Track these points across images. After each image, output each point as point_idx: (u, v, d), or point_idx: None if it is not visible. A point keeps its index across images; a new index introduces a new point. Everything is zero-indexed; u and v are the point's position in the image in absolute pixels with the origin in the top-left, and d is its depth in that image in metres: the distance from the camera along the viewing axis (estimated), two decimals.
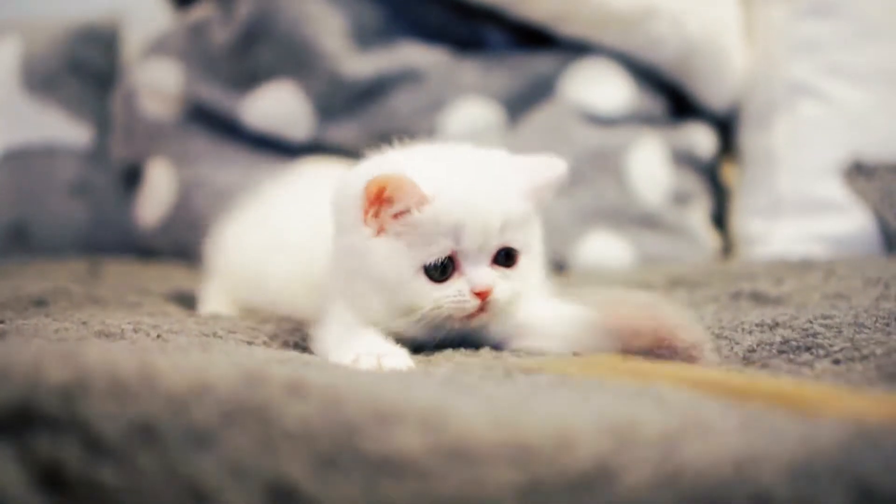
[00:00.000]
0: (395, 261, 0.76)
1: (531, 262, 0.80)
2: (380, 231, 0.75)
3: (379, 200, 0.74)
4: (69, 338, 0.71)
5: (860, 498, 0.45)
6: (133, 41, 1.61)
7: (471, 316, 0.76)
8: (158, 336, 0.75)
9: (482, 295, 0.75)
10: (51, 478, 0.46)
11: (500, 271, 0.77)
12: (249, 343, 0.81)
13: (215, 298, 1.04)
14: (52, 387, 0.48)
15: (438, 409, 0.49)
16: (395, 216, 0.75)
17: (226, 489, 0.45)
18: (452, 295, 0.75)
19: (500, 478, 0.45)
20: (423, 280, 0.75)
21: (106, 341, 0.71)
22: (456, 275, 0.76)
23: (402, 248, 0.75)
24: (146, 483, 0.46)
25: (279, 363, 0.64)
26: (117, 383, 0.49)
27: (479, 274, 0.75)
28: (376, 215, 0.75)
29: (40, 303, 0.94)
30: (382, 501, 0.44)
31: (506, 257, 0.77)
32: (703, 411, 0.54)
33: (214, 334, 0.81)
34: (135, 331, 0.76)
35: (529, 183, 0.78)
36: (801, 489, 0.45)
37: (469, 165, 0.78)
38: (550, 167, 0.80)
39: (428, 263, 0.75)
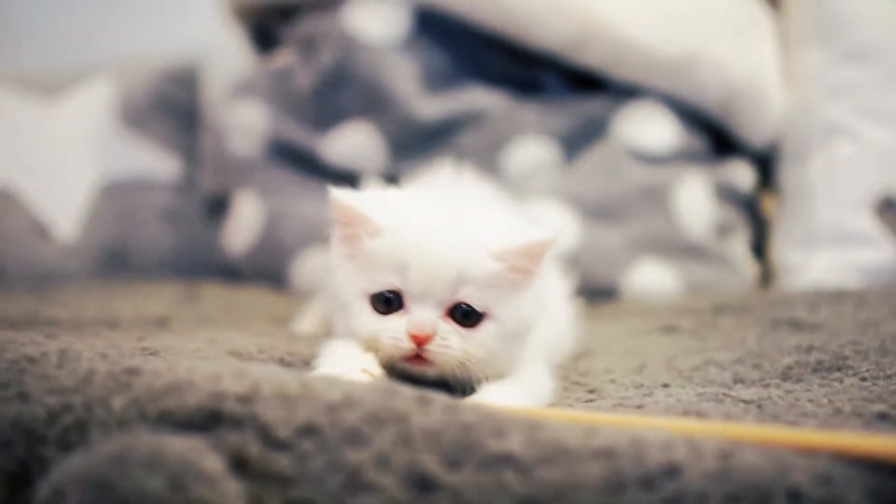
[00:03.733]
0: (348, 282, 0.76)
1: (503, 332, 0.75)
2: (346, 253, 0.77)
3: (343, 223, 0.76)
4: (209, 357, 0.81)
5: (874, 495, 0.55)
6: (214, 81, 1.71)
7: (410, 360, 0.74)
8: (281, 359, 0.84)
9: (417, 339, 0.72)
10: (239, 465, 0.57)
11: (455, 329, 0.74)
12: None
13: (309, 319, 1.11)
14: (233, 395, 0.60)
15: (537, 419, 0.61)
16: (352, 241, 0.76)
17: (379, 477, 0.56)
18: (390, 330, 0.73)
19: (590, 471, 0.56)
20: (368, 308, 0.75)
21: (241, 360, 0.82)
22: (401, 313, 0.74)
23: (354, 271, 0.76)
24: (314, 472, 0.57)
25: None
26: (284, 394, 0.60)
27: (417, 317, 0.73)
28: (344, 237, 0.77)
29: (161, 322, 1.06)
30: (500, 488, 0.56)
31: (464, 316, 0.74)
32: (745, 419, 0.65)
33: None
34: (260, 351, 0.86)
35: (502, 245, 0.74)
36: (825, 488, 0.55)
37: (440, 212, 0.76)
38: (532, 234, 0.76)
39: (371, 293, 0.75)
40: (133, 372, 0.63)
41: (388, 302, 0.75)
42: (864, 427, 0.68)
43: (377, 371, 0.74)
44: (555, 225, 1.39)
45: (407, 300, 0.74)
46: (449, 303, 0.74)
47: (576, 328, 1.00)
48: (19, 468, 0.60)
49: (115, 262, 1.54)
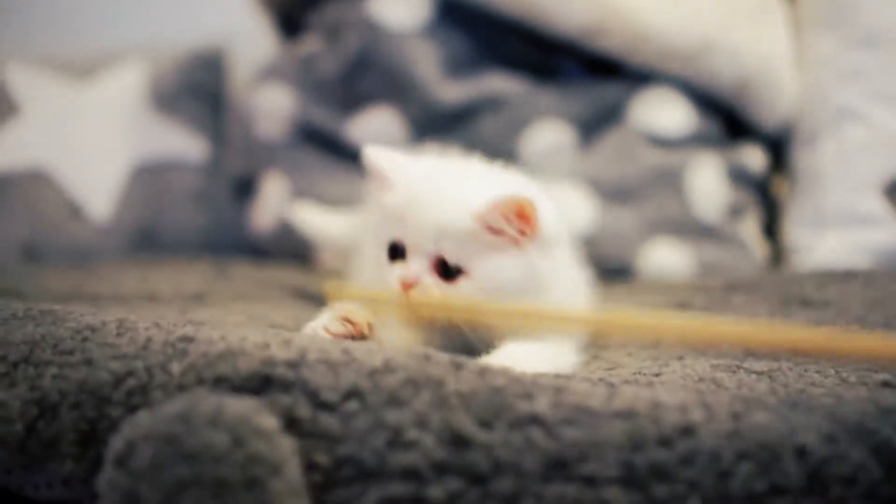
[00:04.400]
0: (375, 228, 0.85)
1: (479, 290, 0.80)
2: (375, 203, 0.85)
3: (372, 177, 0.84)
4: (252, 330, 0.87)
5: (875, 453, 0.60)
6: (240, 66, 1.77)
7: None
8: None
9: (403, 284, 0.80)
10: (290, 425, 0.62)
11: (437, 281, 0.81)
12: None
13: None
14: (282, 361, 0.65)
15: (562, 383, 0.66)
16: (377, 193, 0.84)
17: (418, 436, 0.62)
18: (392, 275, 0.81)
19: (612, 430, 0.61)
20: (385, 255, 0.83)
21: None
22: (404, 262, 0.82)
23: (379, 220, 0.85)
24: (358, 431, 0.62)
25: None
26: (328, 360, 0.65)
27: (408, 266, 0.81)
28: (373, 189, 0.85)
29: (198, 297, 1.11)
30: (529, 447, 0.61)
31: (445, 270, 0.80)
32: (755, 386, 0.70)
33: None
34: (295, 326, 0.92)
35: (479, 203, 0.78)
36: (829, 446, 0.60)
37: (439, 173, 0.84)
38: (505, 192, 0.79)
39: (384, 241, 0.83)
40: (188, 340, 0.69)
41: (394, 251, 0.82)
42: (869, 395, 0.72)
43: (335, 328, 0.80)
44: (571, 206, 1.44)
45: (408, 251, 0.82)
46: (433, 256, 0.81)
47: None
48: (88, 427, 0.66)
49: (145, 241, 1.60)
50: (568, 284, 0.88)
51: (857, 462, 0.60)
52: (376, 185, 0.84)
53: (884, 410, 0.64)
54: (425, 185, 0.82)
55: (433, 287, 0.81)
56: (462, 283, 0.80)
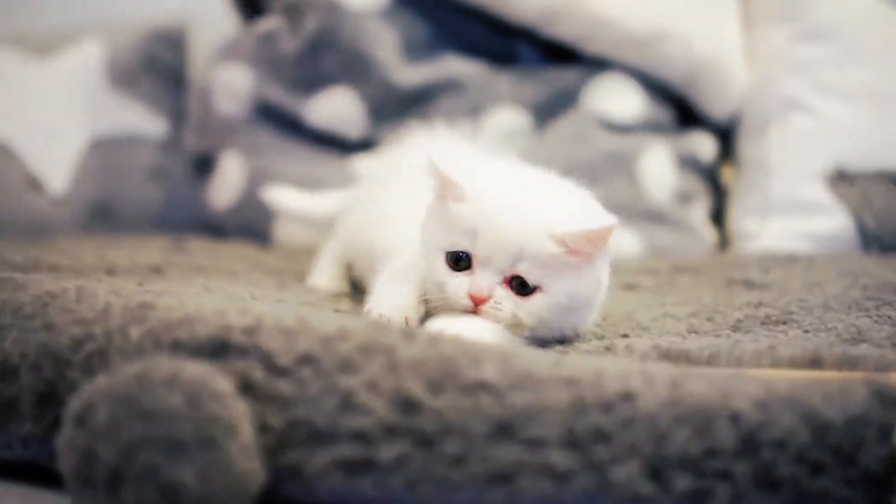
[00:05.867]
0: (434, 233, 0.84)
1: (552, 305, 0.82)
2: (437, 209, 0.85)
3: (438, 185, 0.84)
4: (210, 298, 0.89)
5: (804, 421, 0.63)
6: (202, 44, 1.77)
7: (469, 314, 0.82)
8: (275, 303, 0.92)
9: (475, 299, 0.81)
10: (245, 389, 0.64)
11: (510, 295, 0.82)
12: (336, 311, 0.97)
13: (323, 272, 1.17)
14: (239, 327, 0.67)
15: (510, 351, 0.68)
16: (443, 201, 0.84)
17: (369, 400, 0.64)
18: (455, 285, 0.82)
19: (556, 396, 0.64)
20: (443, 261, 0.83)
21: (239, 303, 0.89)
22: (468, 273, 0.82)
23: (439, 227, 0.84)
24: (311, 395, 0.64)
25: None
26: (283, 326, 0.67)
27: (478, 280, 0.81)
28: (438, 197, 0.85)
29: (156, 270, 1.12)
30: (477, 411, 0.63)
31: (521, 286, 0.81)
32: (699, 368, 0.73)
33: (311, 304, 0.99)
34: (252, 298, 0.93)
35: (564, 229, 0.79)
36: (761, 413, 0.63)
37: (515, 189, 0.83)
38: (594, 220, 0.81)
39: (447, 249, 0.83)
40: (147, 306, 0.70)
41: (458, 260, 0.83)
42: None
43: (414, 319, 0.83)
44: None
45: (474, 262, 0.82)
46: (508, 273, 0.81)
47: None
48: (47, 389, 0.68)
49: (103, 215, 1.61)
50: None
51: (787, 428, 0.63)
52: (443, 192, 0.84)
53: (813, 380, 0.67)
54: (503, 201, 0.81)
55: (506, 301, 0.82)
56: (537, 299, 0.82)
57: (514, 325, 0.83)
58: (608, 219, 0.82)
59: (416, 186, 0.88)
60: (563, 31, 1.52)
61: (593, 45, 1.54)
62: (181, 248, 1.38)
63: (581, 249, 0.81)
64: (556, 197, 0.84)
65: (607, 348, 0.84)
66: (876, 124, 1.52)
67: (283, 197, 1.38)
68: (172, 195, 1.67)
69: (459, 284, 0.82)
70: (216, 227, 1.60)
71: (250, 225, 1.53)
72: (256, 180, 1.54)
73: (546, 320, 0.83)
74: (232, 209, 1.57)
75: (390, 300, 0.85)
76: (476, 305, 0.81)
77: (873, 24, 1.55)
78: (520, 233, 0.80)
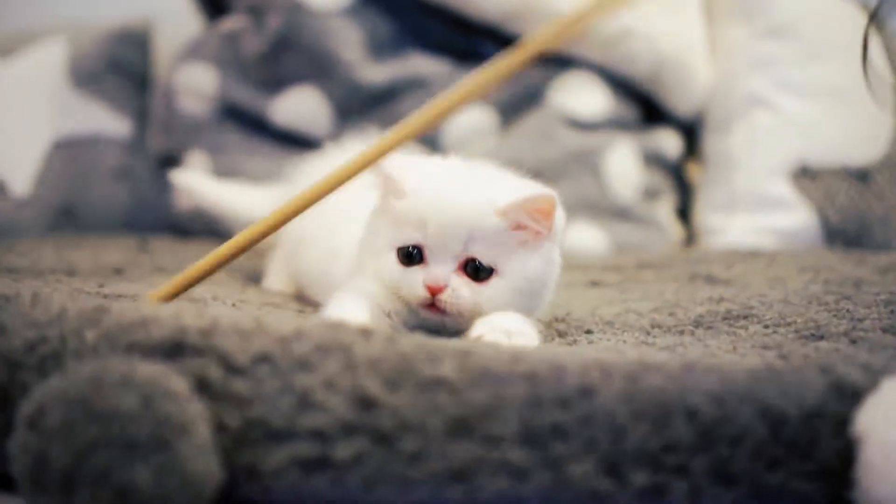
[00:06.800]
0: (380, 235, 0.84)
1: (511, 288, 0.82)
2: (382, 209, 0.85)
3: (381, 185, 0.85)
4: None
5: (760, 415, 0.64)
6: (166, 44, 1.76)
7: (427, 308, 0.82)
8: (234, 304, 0.91)
9: (432, 289, 0.80)
10: (201, 388, 0.64)
11: (467, 282, 0.81)
12: (300, 311, 0.98)
13: (275, 275, 1.16)
14: (195, 328, 0.67)
15: (468, 348, 0.68)
16: (386, 200, 0.84)
17: (327, 398, 0.64)
18: (410, 280, 0.81)
19: (514, 392, 0.64)
20: (394, 259, 0.82)
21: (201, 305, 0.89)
22: (421, 266, 0.82)
23: (386, 226, 0.84)
24: (268, 394, 0.64)
25: None
26: (240, 327, 0.67)
27: (434, 270, 0.81)
28: (382, 196, 0.85)
29: (118, 271, 1.11)
30: (434, 408, 0.63)
31: (476, 271, 0.81)
32: (656, 356, 0.74)
33: (273, 304, 0.99)
34: (213, 298, 0.92)
35: (505, 201, 0.80)
36: (718, 408, 0.64)
37: (453, 176, 0.84)
38: (533, 190, 0.82)
39: (397, 246, 0.82)
40: (102, 310, 0.70)
41: (410, 255, 0.82)
42: (760, 363, 0.76)
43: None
44: None
45: (427, 255, 0.82)
46: (461, 258, 0.81)
47: None
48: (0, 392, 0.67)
49: (67, 217, 1.59)
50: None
51: (744, 423, 0.64)
52: (385, 192, 0.85)
53: (771, 375, 0.67)
54: (448, 186, 0.82)
55: (463, 287, 0.81)
56: (495, 283, 0.82)
57: (469, 317, 0.82)
58: (548, 190, 0.83)
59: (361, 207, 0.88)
60: (526, 28, 1.52)
61: (557, 43, 1.53)
62: (144, 247, 1.37)
63: (526, 223, 0.81)
64: (498, 178, 0.86)
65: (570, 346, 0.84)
66: (838, 120, 1.53)
67: (189, 180, 1.38)
68: (138, 196, 1.65)
69: (414, 278, 0.81)
70: (181, 228, 1.59)
71: (216, 225, 1.51)
72: (221, 180, 1.53)
73: (504, 306, 0.82)
74: (197, 209, 1.56)
75: (348, 307, 0.83)
76: (433, 295, 0.81)
77: (833, 21, 1.57)
78: (467, 212, 0.81)
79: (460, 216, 0.81)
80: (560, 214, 0.85)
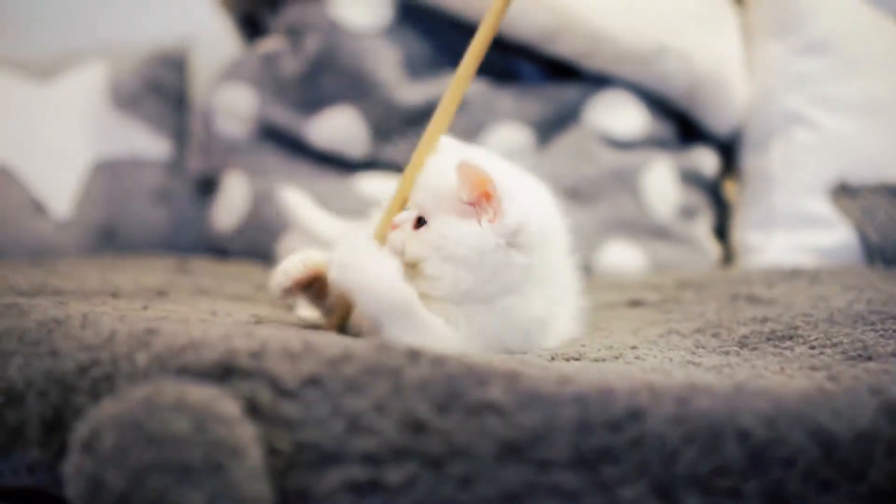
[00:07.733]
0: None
1: (428, 240, 0.84)
2: None
3: None
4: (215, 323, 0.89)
5: (812, 437, 0.63)
6: (202, 65, 1.78)
7: None
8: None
9: (393, 227, 0.86)
10: (252, 411, 0.64)
11: (409, 229, 0.85)
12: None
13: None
14: (245, 351, 0.67)
15: (516, 370, 0.68)
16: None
17: (377, 422, 0.64)
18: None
19: (563, 415, 0.64)
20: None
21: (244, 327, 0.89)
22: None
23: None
24: (318, 417, 0.64)
25: None
26: (289, 349, 0.67)
27: (403, 217, 0.86)
28: None
29: (161, 293, 1.12)
30: (484, 432, 0.63)
31: (418, 222, 0.85)
32: (704, 378, 0.73)
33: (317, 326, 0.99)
34: (256, 322, 0.92)
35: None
36: (770, 430, 0.64)
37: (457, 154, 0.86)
38: (465, 160, 0.82)
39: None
40: (152, 332, 0.70)
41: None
42: (810, 385, 0.75)
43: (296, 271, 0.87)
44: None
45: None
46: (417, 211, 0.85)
47: (578, 320, 1.01)
48: (53, 415, 0.67)
49: (107, 238, 1.60)
50: (551, 298, 0.89)
51: (796, 445, 0.63)
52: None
53: (822, 397, 0.67)
54: (440, 161, 0.86)
55: (398, 234, 0.85)
56: (421, 232, 0.84)
57: (407, 266, 0.83)
58: (500, 173, 0.83)
59: None
60: (563, 48, 1.53)
61: (593, 62, 1.55)
62: (185, 269, 1.37)
63: (466, 189, 0.82)
64: (476, 158, 0.84)
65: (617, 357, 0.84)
66: (877, 137, 1.53)
67: (295, 201, 1.37)
68: (177, 217, 1.67)
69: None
70: (220, 249, 1.60)
71: (254, 246, 1.52)
72: (260, 201, 1.54)
73: (423, 258, 0.83)
74: (236, 230, 1.57)
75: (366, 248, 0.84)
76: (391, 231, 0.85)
77: (871, 37, 1.57)
78: (428, 174, 0.85)
79: (425, 177, 0.85)
80: (525, 214, 0.83)
